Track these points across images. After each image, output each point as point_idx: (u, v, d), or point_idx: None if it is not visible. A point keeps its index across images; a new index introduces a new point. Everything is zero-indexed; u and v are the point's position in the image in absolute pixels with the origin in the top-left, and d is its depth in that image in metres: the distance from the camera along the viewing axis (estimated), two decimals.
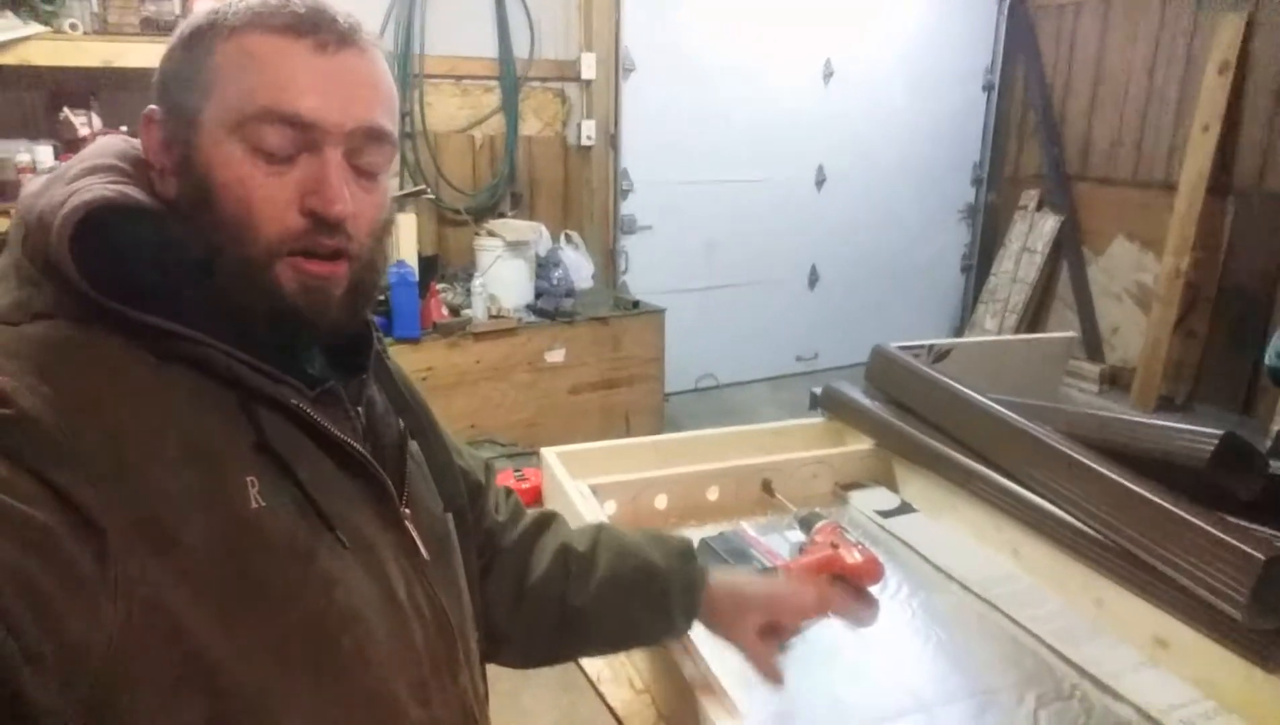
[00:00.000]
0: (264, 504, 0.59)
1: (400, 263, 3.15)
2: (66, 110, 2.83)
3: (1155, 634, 1.01)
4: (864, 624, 1.07)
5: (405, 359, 3.12)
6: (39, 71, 2.73)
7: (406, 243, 3.27)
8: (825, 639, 1.06)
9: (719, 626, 0.89)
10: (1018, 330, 4.72)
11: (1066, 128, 4.69)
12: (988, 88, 4.91)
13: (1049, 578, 1.16)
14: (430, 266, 3.49)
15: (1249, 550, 0.86)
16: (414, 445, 0.77)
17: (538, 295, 3.62)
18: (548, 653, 0.91)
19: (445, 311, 3.32)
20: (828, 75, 4.42)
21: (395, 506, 0.69)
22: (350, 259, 0.65)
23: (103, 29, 2.80)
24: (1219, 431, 0.98)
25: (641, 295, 3.82)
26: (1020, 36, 4.81)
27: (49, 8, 2.74)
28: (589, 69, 3.84)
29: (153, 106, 0.65)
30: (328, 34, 0.62)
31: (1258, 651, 0.89)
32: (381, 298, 3.11)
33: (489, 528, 0.89)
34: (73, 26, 2.73)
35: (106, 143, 0.67)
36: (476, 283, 3.34)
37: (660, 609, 0.87)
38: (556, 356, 3.46)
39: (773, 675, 0.87)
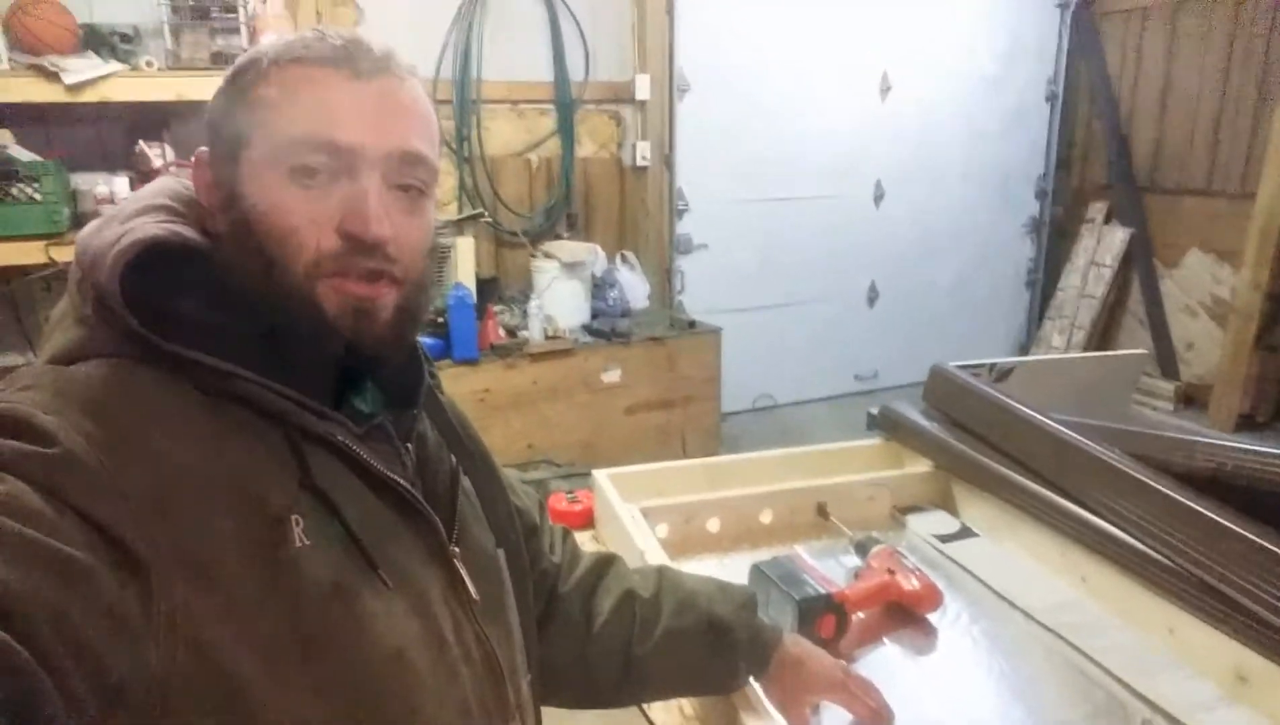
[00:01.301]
0: (308, 543, 0.58)
1: (458, 285, 3.20)
2: (142, 143, 2.95)
3: (1235, 668, 0.96)
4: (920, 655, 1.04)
5: (463, 381, 3.16)
6: (117, 107, 2.85)
7: (464, 265, 3.32)
8: (882, 667, 1.03)
9: (776, 692, 0.89)
10: (1086, 347, 4.57)
11: (1135, 137, 4.55)
12: (1051, 98, 4.80)
13: (1118, 606, 1.11)
14: (488, 289, 3.54)
15: None
16: (466, 481, 0.77)
17: (594, 316, 3.64)
18: (608, 698, 0.90)
19: (502, 333, 3.35)
20: (885, 90, 4.37)
21: (445, 545, 0.69)
22: (396, 281, 0.66)
23: (176, 64, 2.92)
24: None
25: (698, 315, 3.81)
26: (1084, 44, 4.70)
27: (127, 47, 2.87)
28: (643, 90, 3.86)
29: (202, 149, 0.67)
30: (363, 62, 0.64)
31: None
32: (440, 320, 3.17)
33: (545, 569, 0.89)
34: (149, 64, 2.85)
35: (161, 184, 0.70)
36: (533, 304, 3.37)
37: (726, 662, 0.87)
38: (612, 377, 3.47)
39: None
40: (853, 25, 4.21)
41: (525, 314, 3.40)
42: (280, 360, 0.63)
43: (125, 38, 2.88)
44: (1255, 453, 1.05)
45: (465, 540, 0.72)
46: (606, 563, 0.93)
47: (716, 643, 0.87)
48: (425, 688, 0.63)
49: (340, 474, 0.63)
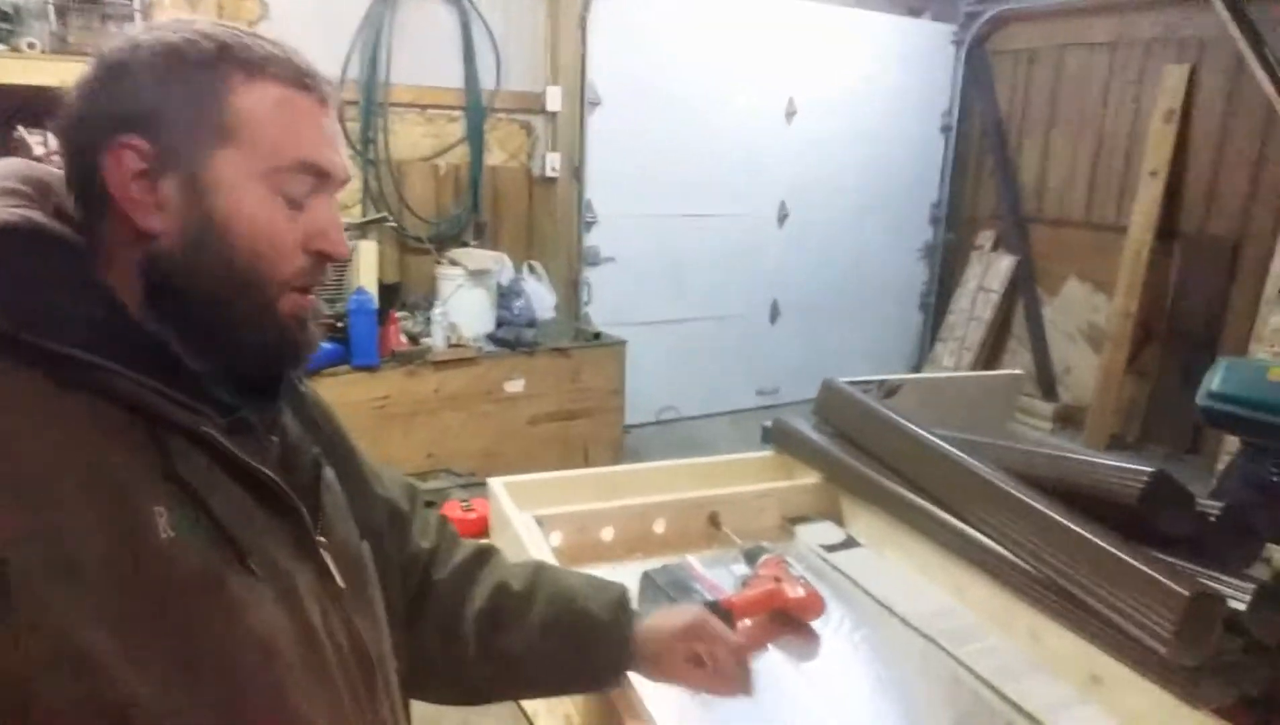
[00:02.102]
0: (173, 534, 0.57)
1: (360, 290, 3.13)
2: (21, 129, 2.79)
3: (1090, 670, 1.02)
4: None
5: (362, 387, 3.09)
6: None
7: (367, 270, 3.25)
8: (767, 672, 1.05)
9: (650, 670, 0.88)
10: (974, 368, 4.79)
11: (1022, 170, 4.81)
12: (946, 129, 5.03)
13: (990, 614, 1.17)
14: (391, 294, 3.47)
15: (1174, 587, 0.88)
16: (330, 473, 0.76)
17: (499, 325, 3.61)
18: (477, 692, 0.90)
19: (404, 340, 3.29)
20: (790, 113, 4.50)
21: (310, 535, 0.68)
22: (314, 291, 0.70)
23: (61, 49, 2.77)
24: (1149, 468, 1.00)
25: (604, 327, 3.83)
26: (977, 80, 4.94)
27: (6, 26, 2.71)
28: (554, 101, 3.87)
29: (134, 137, 0.61)
30: (325, 89, 0.68)
31: (1185, 688, 0.91)
32: (339, 325, 3.09)
33: (414, 553, 0.88)
34: (30, 45, 2.70)
35: (8, 165, 0.66)
36: (437, 311, 3.33)
37: (591, 660, 0.87)
38: (516, 387, 3.45)
39: (740, 688, 0.87)
40: (762, 50, 4.32)
41: (429, 321, 3.35)
42: (141, 352, 0.61)
43: (4, 16, 2.72)
44: (1115, 468, 1.12)
45: (330, 531, 0.72)
46: (485, 554, 0.92)
47: (584, 638, 0.86)
48: (294, 677, 0.62)
49: (204, 465, 0.61)
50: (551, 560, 1.11)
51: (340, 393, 3.04)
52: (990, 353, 4.93)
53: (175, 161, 0.62)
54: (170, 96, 0.62)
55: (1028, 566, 1.09)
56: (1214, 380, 1.87)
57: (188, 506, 0.59)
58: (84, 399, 0.58)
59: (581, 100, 3.96)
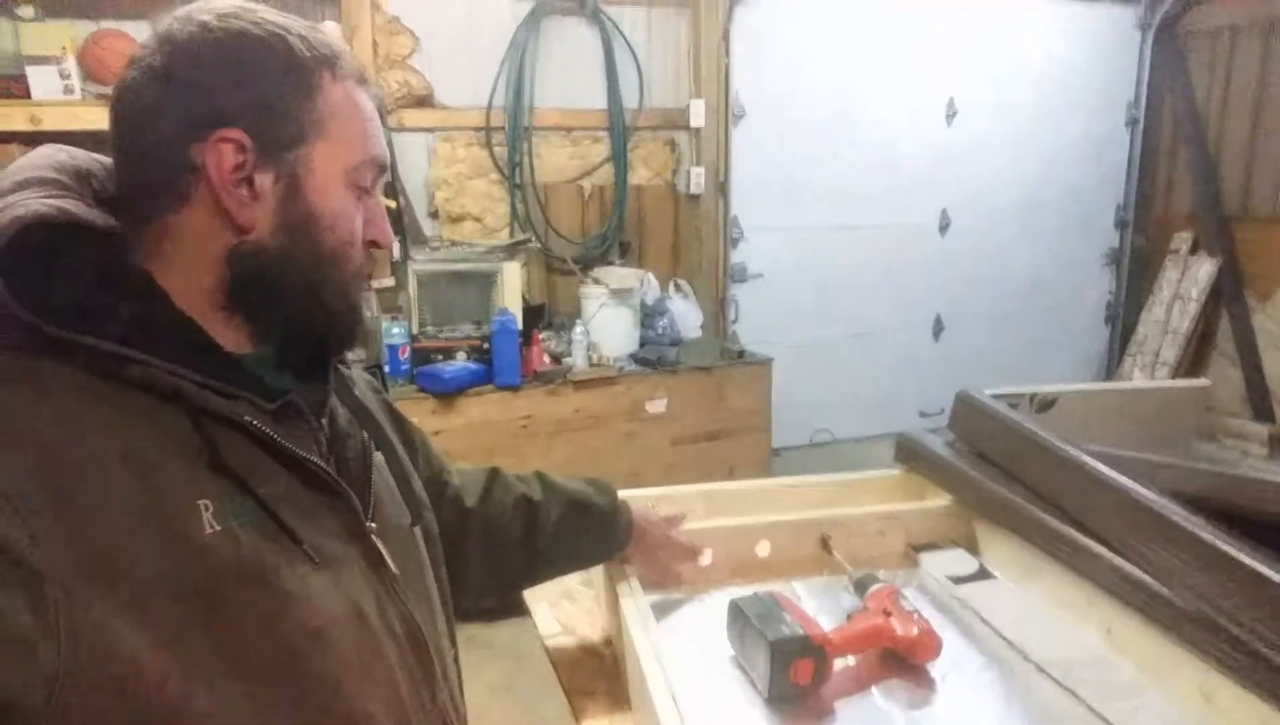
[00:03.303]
0: (219, 527, 0.57)
1: (503, 311, 3.19)
2: None
3: None
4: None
5: (505, 407, 3.14)
6: None
7: (511, 292, 3.31)
8: (868, 720, 0.92)
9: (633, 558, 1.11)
10: None
11: (1223, 164, 4.29)
12: (1131, 123, 4.56)
13: (1148, 665, 0.97)
14: (535, 315, 3.52)
15: None
16: (380, 458, 0.76)
17: (642, 344, 3.58)
18: (515, 586, 1.11)
19: (547, 360, 3.32)
20: (951, 115, 4.23)
21: (361, 521, 0.68)
22: None
23: None
24: None
25: (753, 346, 3.71)
26: (1168, 66, 4.46)
27: None
28: (698, 117, 3.81)
29: (232, 131, 0.62)
30: (373, 86, 0.70)
31: None
32: (485, 346, 3.16)
33: (454, 496, 0.98)
34: None
35: (40, 154, 0.65)
36: (578, 331, 3.33)
37: (604, 542, 1.08)
38: (658, 406, 3.39)
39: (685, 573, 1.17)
40: (917, 49, 4.09)
41: (570, 341, 3.36)
42: (182, 343, 0.60)
43: None
44: None
45: (381, 517, 0.72)
46: (496, 475, 1.04)
47: (596, 528, 1.06)
48: (349, 665, 0.62)
49: (251, 454, 0.61)
50: (640, 597, 1.04)
51: (483, 412, 3.09)
52: (1190, 369, 4.40)
53: (273, 155, 0.63)
54: (268, 89, 0.63)
55: (1198, 610, 0.90)
56: None
57: (235, 496, 0.59)
58: (122, 392, 0.57)
59: (725, 113, 3.88)
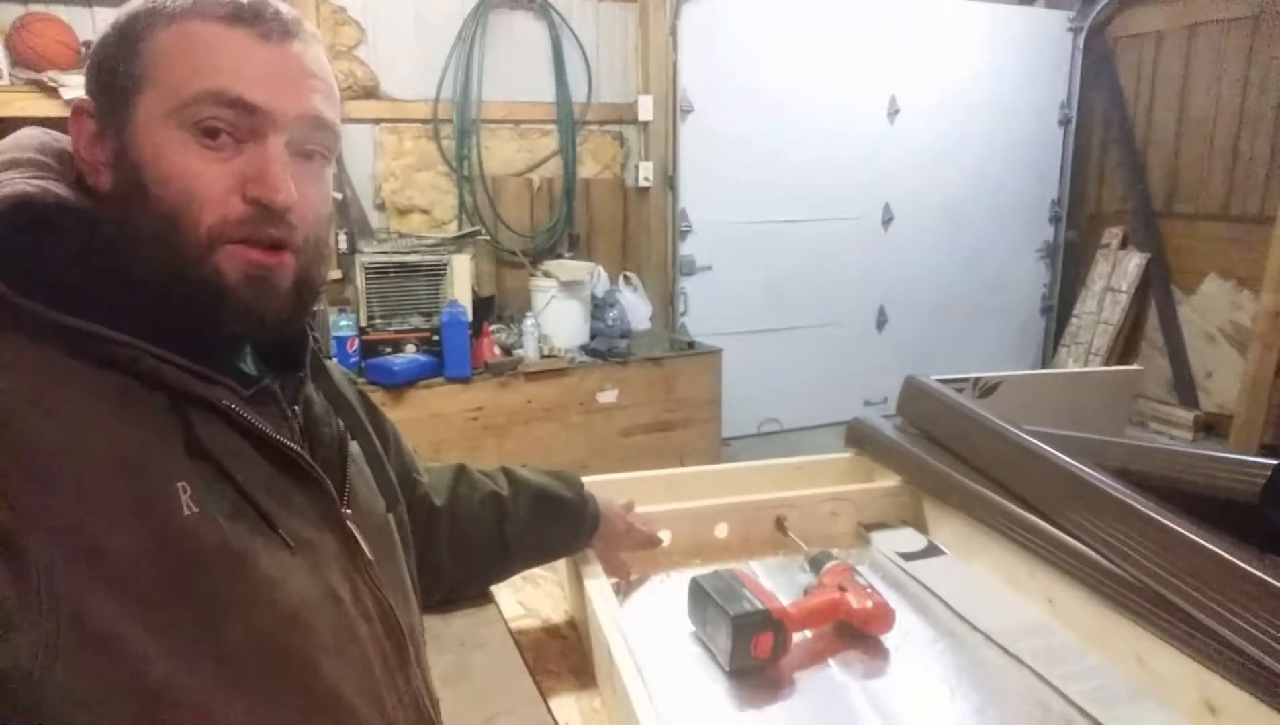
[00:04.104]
0: (197, 510, 0.56)
1: (453, 303, 3.17)
2: None
3: (1204, 697, 0.87)
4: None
5: (456, 399, 3.12)
6: None
7: (460, 284, 3.30)
8: (826, 689, 0.95)
9: (598, 548, 1.11)
10: None
11: (1150, 161, 4.47)
12: (1064, 122, 4.73)
13: (1086, 631, 1.03)
14: (485, 307, 3.51)
15: None
16: (355, 447, 0.76)
17: (593, 336, 3.59)
18: (486, 581, 1.12)
19: (498, 351, 3.32)
20: (893, 113, 4.32)
21: (336, 507, 0.68)
22: (295, 251, 0.64)
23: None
24: (1272, 461, 0.85)
25: (702, 337, 3.75)
26: (1098, 68, 4.63)
27: None
28: (646, 111, 3.84)
29: (83, 97, 0.63)
30: (271, 23, 0.62)
31: None
32: (434, 338, 3.14)
33: (424, 494, 0.98)
34: None
35: (25, 135, 0.66)
36: (529, 323, 3.34)
37: (571, 535, 1.08)
38: (609, 397, 3.42)
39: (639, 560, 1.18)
40: (860, 47, 4.17)
41: (521, 332, 3.36)
42: (166, 322, 0.60)
43: None
44: (1234, 461, 0.97)
45: (356, 502, 0.72)
46: (463, 472, 1.04)
47: (565, 521, 1.07)
48: (325, 648, 0.62)
49: (229, 439, 0.61)
50: (604, 579, 1.05)
51: (434, 404, 3.08)
52: (1121, 358, 4.58)
53: (109, 117, 0.61)
54: (106, 56, 0.62)
55: (1133, 578, 0.95)
56: None
57: (213, 480, 0.59)
58: (103, 373, 0.57)
59: (673, 108, 3.92)
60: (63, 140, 0.66)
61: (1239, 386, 4.00)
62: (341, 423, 0.75)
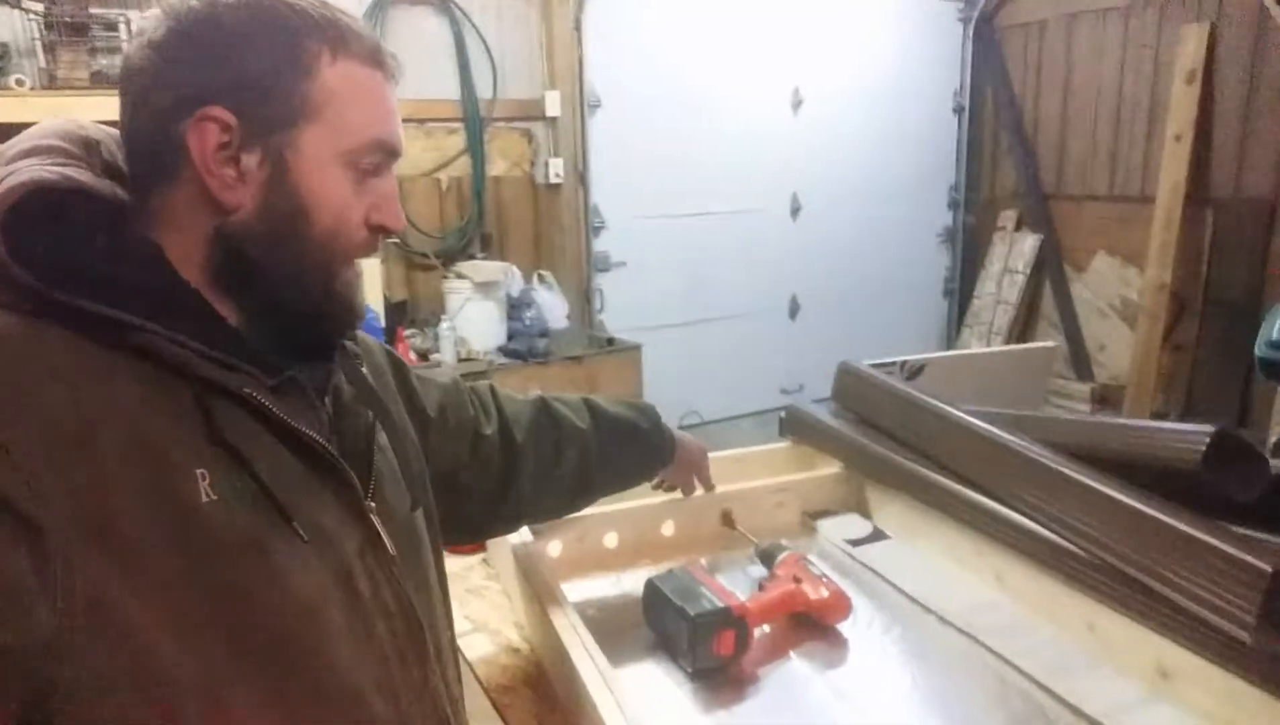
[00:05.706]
0: (215, 497, 0.57)
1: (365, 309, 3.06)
2: None
3: (1157, 663, 0.90)
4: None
5: None
6: None
7: (372, 289, 3.18)
8: (790, 683, 0.94)
9: (674, 473, 1.21)
10: None
11: (1040, 146, 4.66)
12: (958, 110, 4.88)
13: (1036, 605, 1.05)
14: (398, 312, 3.41)
15: (1254, 562, 0.76)
16: (384, 438, 0.76)
17: (510, 337, 3.53)
18: (572, 508, 1.13)
19: (414, 357, 3.22)
20: (797, 104, 4.39)
21: (360, 500, 0.68)
22: None
23: (50, 84, 2.75)
24: (1210, 427, 0.88)
25: (620, 333, 3.73)
26: (987, 57, 4.80)
27: None
28: (553, 106, 3.79)
29: (218, 109, 0.60)
30: (391, 64, 0.68)
31: (1271, 678, 0.78)
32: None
33: (490, 439, 0.98)
34: (19, 82, 2.68)
35: (48, 123, 0.65)
36: (444, 326, 3.25)
37: (650, 463, 1.16)
38: None
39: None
40: (763, 39, 4.21)
41: (437, 336, 3.27)
42: (186, 313, 0.60)
43: None
44: (1172, 430, 1.00)
45: (382, 496, 0.72)
46: (542, 406, 1.07)
47: (644, 452, 1.14)
48: (340, 641, 0.62)
49: (251, 428, 0.61)
50: (551, 576, 1.02)
51: None
52: (1020, 336, 4.76)
53: (259, 136, 0.61)
54: (258, 68, 0.61)
55: (1079, 550, 0.97)
56: (1274, 328, 1.72)
57: (232, 469, 0.59)
58: (125, 359, 0.57)
59: (581, 104, 3.87)
60: (88, 127, 0.66)
61: (1129, 358, 4.22)
62: (371, 414, 0.74)
